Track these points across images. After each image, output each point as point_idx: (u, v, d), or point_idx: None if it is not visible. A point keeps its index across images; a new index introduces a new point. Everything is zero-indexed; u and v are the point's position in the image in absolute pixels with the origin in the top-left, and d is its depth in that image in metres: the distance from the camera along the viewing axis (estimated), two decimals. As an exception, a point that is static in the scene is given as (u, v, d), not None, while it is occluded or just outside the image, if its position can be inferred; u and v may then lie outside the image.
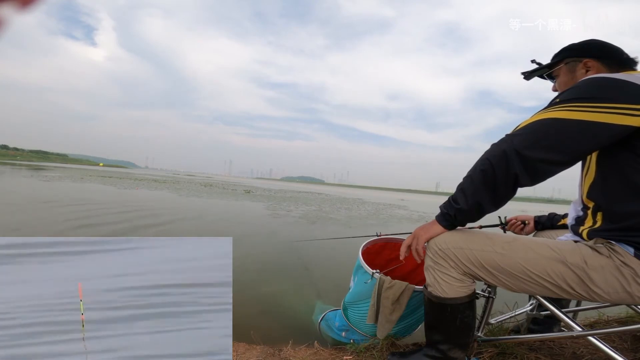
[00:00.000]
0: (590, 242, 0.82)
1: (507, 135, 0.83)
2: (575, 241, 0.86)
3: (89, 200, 6.96)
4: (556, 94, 0.86)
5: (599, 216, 0.83)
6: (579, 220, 0.89)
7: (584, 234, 0.85)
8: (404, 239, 1.01)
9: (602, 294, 0.77)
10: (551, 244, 0.84)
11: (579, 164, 0.87)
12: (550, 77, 1.05)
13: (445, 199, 0.93)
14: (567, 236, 1.01)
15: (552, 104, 0.81)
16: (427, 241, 0.95)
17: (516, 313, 1.34)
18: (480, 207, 0.84)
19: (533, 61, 1.07)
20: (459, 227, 0.94)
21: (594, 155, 0.83)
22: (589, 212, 0.85)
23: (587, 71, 0.92)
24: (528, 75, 1.10)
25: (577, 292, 0.79)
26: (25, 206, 5.40)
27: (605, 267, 0.76)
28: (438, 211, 0.93)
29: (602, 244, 0.80)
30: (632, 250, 0.75)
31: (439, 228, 0.93)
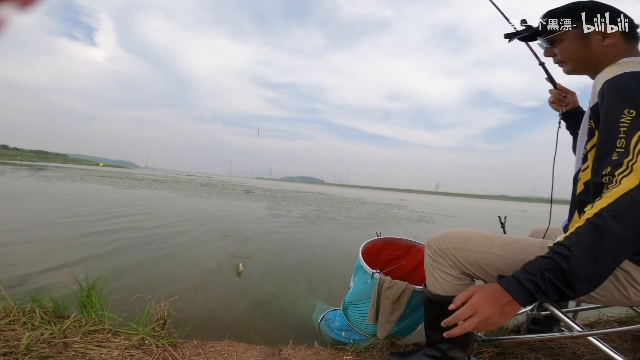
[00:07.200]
0: None
1: None
2: None
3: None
4: (547, 60, 0.76)
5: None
6: (570, 220, 0.88)
7: None
8: (403, 239, 1.00)
9: (598, 298, 0.77)
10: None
11: (575, 160, 0.84)
12: (547, 41, 0.86)
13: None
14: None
15: None
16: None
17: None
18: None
19: (523, 22, 0.91)
20: (460, 227, 0.93)
21: (592, 154, 0.82)
22: (577, 210, 0.84)
23: (603, 38, 0.78)
24: (512, 37, 0.94)
25: None
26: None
27: None
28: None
29: None
30: None
31: (515, 309, 0.64)
